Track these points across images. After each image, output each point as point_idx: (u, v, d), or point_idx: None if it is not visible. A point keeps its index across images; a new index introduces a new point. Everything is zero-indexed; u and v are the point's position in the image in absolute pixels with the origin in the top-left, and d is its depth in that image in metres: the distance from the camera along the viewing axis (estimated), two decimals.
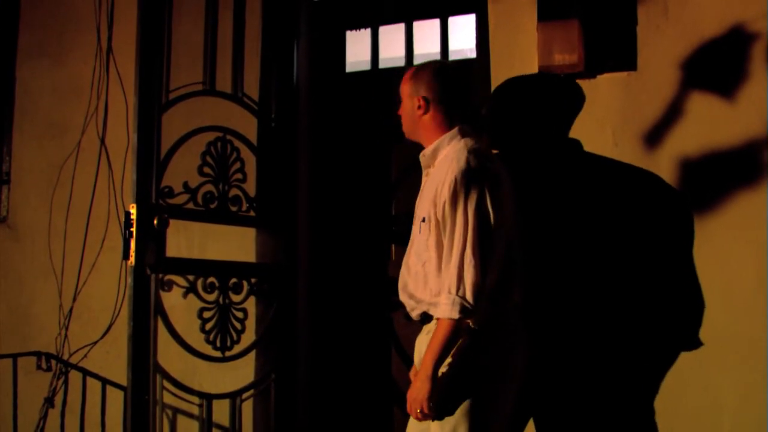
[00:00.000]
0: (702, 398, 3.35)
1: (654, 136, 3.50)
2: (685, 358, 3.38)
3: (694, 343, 3.35)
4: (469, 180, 2.86)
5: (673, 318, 3.41)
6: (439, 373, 2.86)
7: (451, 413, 2.86)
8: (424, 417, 2.87)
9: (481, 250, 2.83)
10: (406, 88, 3.16)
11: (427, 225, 2.96)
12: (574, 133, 3.58)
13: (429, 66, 3.16)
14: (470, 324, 2.85)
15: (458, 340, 2.86)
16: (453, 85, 3.13)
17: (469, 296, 2.79)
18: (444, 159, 3.00)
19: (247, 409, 4.02)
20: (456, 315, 2.79)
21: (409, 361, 3.40)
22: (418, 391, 2.85)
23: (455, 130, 3.06)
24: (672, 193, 3.44)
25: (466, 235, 2.83)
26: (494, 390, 2.92)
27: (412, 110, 3.13)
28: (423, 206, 3.01)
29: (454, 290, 2.81)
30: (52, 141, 4.83)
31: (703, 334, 3.36)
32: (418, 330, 3.06)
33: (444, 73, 3.14)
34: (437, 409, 2.86)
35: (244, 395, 3.96)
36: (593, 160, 3.53)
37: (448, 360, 2.88)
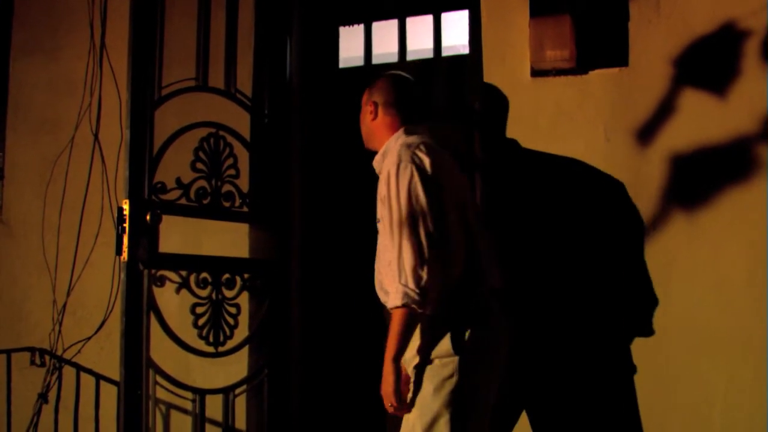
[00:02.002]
0: (694, 394, 3.36)
1: (646, 132, 3.50)
2: (677, 353, 3.39)
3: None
4: (399, 172, 2.92)
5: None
6: (414, 365, 2.91)
7: (430, 404, 2.89)
8: (396, 410, 2.91)
9: (416, 238, 2.87)
10: (363, 99, 3.26)
11: (381, 225, 3.01)
12: (565, 129, 3.59)
13: (383, 75, 3.28)
14: (424, 311, 2.86)
15: (413, 329, 2.89)
16: (401, 87, 3.20)
17: (410, 283, 2.82)
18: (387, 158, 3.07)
19: (240, 404, 4.02)
20: (399, 302, 2.82)
21: None
22: (385, 386, 2.88)
23: (401, 131, 3.13)
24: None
25: (400, 225, 2.88)
26: (472, 378, 2.92)
27: (365, 117, 3.23)
28: (377, 207, 3.05)
29: (397, 279, 2.85)
30: (46, 137, 4.82)
31: (695, 330, 3.37)
32: None
33: (393, 78, 3.24)
34: (410, 401, 2.91)
35: (237, 390, 3.96)
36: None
37: (421, 350, 2.93)
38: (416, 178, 2.91)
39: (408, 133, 3.12)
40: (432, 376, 2.90)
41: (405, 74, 3.31)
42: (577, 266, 3.55)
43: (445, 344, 2.91)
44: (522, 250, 3.62)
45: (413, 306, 2.83)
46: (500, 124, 3.69)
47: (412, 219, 2.89)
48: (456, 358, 2.90)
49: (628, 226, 3.49)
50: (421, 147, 3.01)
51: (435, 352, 2.92)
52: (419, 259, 2.85)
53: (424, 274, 2.84)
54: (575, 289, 3.53)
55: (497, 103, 3.70)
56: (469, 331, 2.93)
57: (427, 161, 2.96)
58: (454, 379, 2.89)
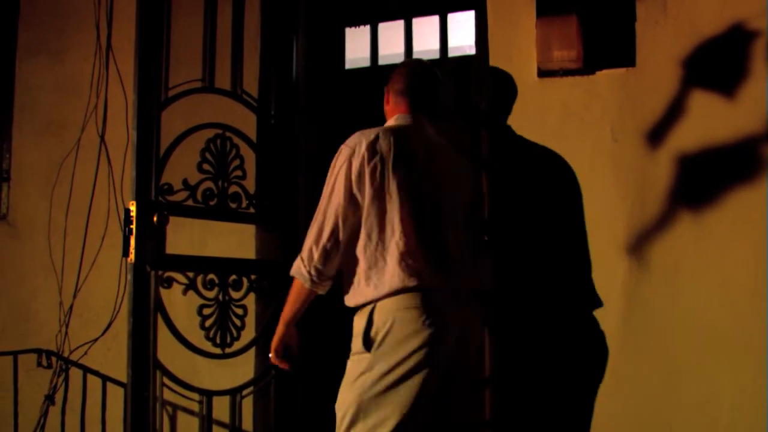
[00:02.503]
0: (701, 392, 3.36)
1: (653, 133, 3.50)
2: (683, 353, 3.39)
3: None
4: (337, 155, 3.03)
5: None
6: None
7: (344, 396, 2.99)
8: (274, 360, 3.19)
9: (321, 220, 3.01)
10: None
11: None
12: (573, 129, 3.59)
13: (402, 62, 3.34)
14: (313, 289, 3.05)
15: (302, 299, 3.10)
16: (411, 74, 3.21)
17: (304, 259, 3.02)
18: None
19: (247, 405, 4.01)
20: (291, 272, 3.06)
21: None
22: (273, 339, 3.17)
23: (394, 117, 3.16)
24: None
25: (319, 204, 3.03)
26: (387, 377, 2.89)
27: (384, 104, 3.26)
28: None
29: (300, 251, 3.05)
30: (52, 138, 4.83)
31: (701, 330, 3.37)
32: None
33: (402, 66, 3.28)
34: (278, 357, 3.17)
35: (244, 392, 3.95)
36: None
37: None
38: (344, 166, 3.00)
39: (397, 119, 3.14)
40: (350, 369, 2.98)
41: (423, 61, 3.32)
42: (576, 266, 3.55)
43: (359, 340, 2.96)
44: (523, 250, 3.62)
45: (300, 280, 3.03)
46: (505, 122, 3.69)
47: (327, 202, 3.01)
48: (368, 355, 2.93)
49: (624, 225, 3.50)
50: (376, 133, 3.03)
51: (354, 347, 2.98)
52: (316, 242, 2.99)
53: (316, 256, 2.98)
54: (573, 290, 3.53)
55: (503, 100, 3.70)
56: (387, 329, 2.92)
57: (362, 150, 2.99)
58: (365, 376, 2.92)
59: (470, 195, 3.19)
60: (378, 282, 2.95)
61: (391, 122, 3.16)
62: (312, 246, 3.01)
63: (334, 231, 2.99)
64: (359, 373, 2.93)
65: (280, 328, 3.17)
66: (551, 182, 3.59)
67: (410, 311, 2.91)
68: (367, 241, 2.98)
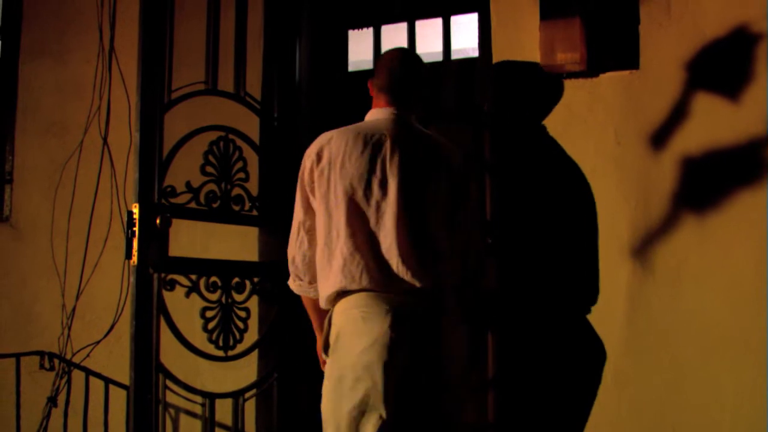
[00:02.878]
0: (704, 395, 3.35)
1: (657, 135, 3.50)
2: (687, 355, 3.38)
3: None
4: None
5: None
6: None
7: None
8: None
9: (292, 229, 3.15)
10: None
11: None
12: (576, 133, 3.59)
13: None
14: (304, 294, 3.19)
15: (307, 304, 3.23)
16: (386, 66, 3.18)
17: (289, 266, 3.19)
18: None
19: (250, 408, 4.02)
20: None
21: None
22: None
23: (370, 112, 3.17)
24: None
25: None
26: (344, 383, 2.89)
27: None
28: None
29: None
30: (55, 140, 4.83)
31: (705, 332, 3.36)
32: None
33: (382, 57, 3.25)
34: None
35: (247, 394, 3.95)
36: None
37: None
38: (301, 172, 3.11)
39: (372, 114, 3.15)
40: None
41: (405, 51, 3.30)
42: (581, 267, 3.55)
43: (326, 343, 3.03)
44: (528, 251, 3.62)
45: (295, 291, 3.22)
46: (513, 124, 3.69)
47: (295, 210, 3.15)
48: (329, 361, 2.97)
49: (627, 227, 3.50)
50: (332, 135, 3.07)
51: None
52: (290, 252, 3.17)
53: (291, 267, 3.17)
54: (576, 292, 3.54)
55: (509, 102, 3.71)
56: (337, 333, 2.94)
57: (312, 155, 3.06)
58: (327, 384, 2.96)
59: (437, 194, 3.05)
60: (325, 286, 2.98)
61: (367, 117, 3.15)
62: (289, 257, 3.16)
63: (300, 239, 3.09)
64: (325, 380, 2.97)
65: (317, 338, 3.25)
66: (557, 184, 3.60)
67: (353, 313, 2.90)
68: (322, 247, 3.00)
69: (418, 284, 2.90)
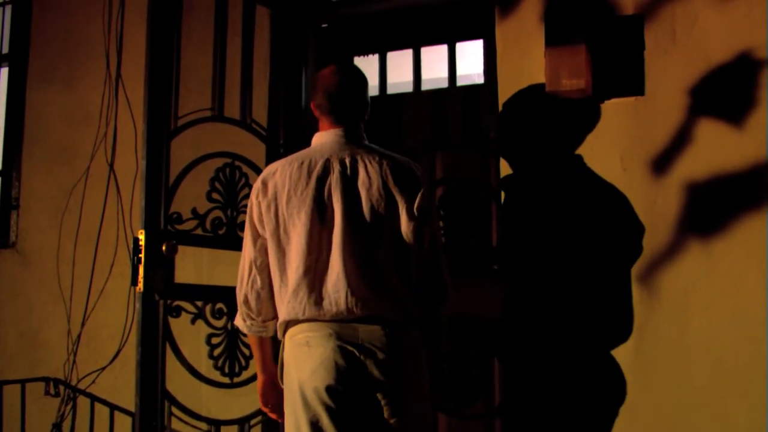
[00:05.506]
0: (714, 422, 3.34)
1: (662, 161, 3.50)
2: (697, 383, 3.37)
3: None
4: None
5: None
6: None
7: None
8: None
9: (241, 267, 3.04)
10: None
11: None
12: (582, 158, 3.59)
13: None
14: (252, 334, 3.11)
15: (253, 344, 3.15)
16: (324, 87, 3.05)
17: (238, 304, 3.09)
18: None
19: None
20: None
21: None
22: None
23: (314, 137, 3.09)
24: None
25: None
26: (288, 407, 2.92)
27: None
28: None
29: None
30: (62, 166, 4.84)
31: (714, 359, 3.35)
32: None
33: (319, 76, 3.13)
34: (266, 406, 3.21)
35: (253, 421, 3.94)
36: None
37: None
38: (249, 207, 3.02)
39: (316, 139, 3.06)
40: None
41: (343, 66, 3.14)
42: (587, 295, 3.54)
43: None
44: (534, 279, 3.62)
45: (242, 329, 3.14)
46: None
47: (244, 245, 3.05)
48: (284, 385, 2.98)
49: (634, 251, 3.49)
50: (277, 167, 3.00)
51: None
52: (239, 290, 3.06)
53: (241, 305, 3.06)
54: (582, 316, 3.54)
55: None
56: (286, 358, 2.94)
57: (259, 189, 2.98)
58: (285, 408, 2.96)
59: (388, 219, 2.92)
60: (279, 315, 2.95)
61: (313, 141, 3.06)
62: (239, 297, 3.05)
63: (252, 278, 3.01)
64: (284, 406, 2.96)
65: (258, 379, 3.19)
66: (563, 212, 3.60)
67: (299, 338, 2.88)
68: (278, 283, 2.94)
69: (366, 313, 2.85)
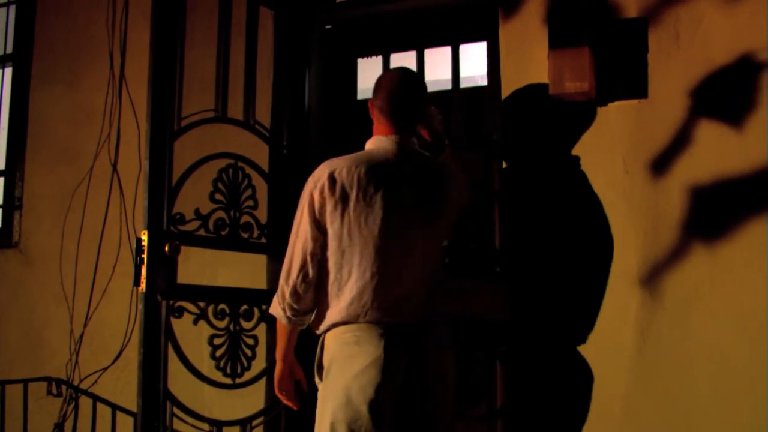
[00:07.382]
0: (717, 427, 3.33)
1: (665, 164, 3.50)
2: (699, 386, 3.36)
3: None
4: (304, 188, 3.06)
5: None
6: None
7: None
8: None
9: (291, 257, 3.03)
10: None
11: None
12: (585, 162, 3.59)
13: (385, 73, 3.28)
14: (287, 324, 3.11)
15: (283, 333, 3.15)
16: (388, 88, 3.10)
17: (277, 293, 3.07)
18: None
19: None
20: (269, 309, 3.15)
21: None
22: None
23: (372, 140, 3.12)
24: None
25: (289, 238, 3.07)
26: (329, 410, 2.92)
27: None
28: None
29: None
30: (65, 167, 4.84)
31: (717, 363, 3.34)
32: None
33: (383, 77, 3.19)
34: (282, 393, 3.25)
35: (255, 422, 3.94)
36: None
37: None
38: (307, 201, 3.01)
39: (374, 142, 3.09)
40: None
41: (407, 71, 3.20)
42: (590, 297, 3.54)
43: (315, 370, 3.08)
44: (537, 281, 3.62)
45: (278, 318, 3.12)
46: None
47: (295, 237, 3.03)
48: (321, 386, 3.01)
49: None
50: (342, 165, 3.00)
51: (316, 379, 3.08)
52: (286, 280, 3.03)
53: (287, 293, 3.03)
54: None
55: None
56: (332, 356, 2.96)
57: (325, 186, 2.97)
58: (321, 404, 2.98)
59: (443, 227, 3.10)
60: (331, 315, 2.97)
61: (369, 145, 3.10)
62: (283, 284, 3.04)
63: (303, 268, 3.00)
64: (319, 402, 2.98)
65: (277, 366, 3.21)
66: (566, 214, 3.60)
67: (347, 337, 2.92)
68: (332, 281, 2.97)
69: (417, 317, 2.95)
